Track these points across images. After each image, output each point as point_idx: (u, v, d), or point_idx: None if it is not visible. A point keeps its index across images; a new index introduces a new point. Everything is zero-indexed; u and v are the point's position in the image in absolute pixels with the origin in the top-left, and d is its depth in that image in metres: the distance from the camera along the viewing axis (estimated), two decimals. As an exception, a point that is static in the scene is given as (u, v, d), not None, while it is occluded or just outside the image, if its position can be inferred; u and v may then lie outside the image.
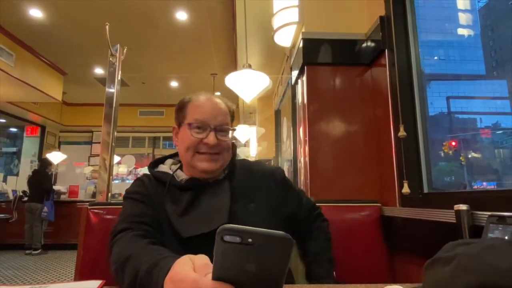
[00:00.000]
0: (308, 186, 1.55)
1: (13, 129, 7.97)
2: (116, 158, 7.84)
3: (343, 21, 1.65)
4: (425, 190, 1.22)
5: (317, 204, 1.11)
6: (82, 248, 1.20)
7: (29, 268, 4.47)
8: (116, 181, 8.27)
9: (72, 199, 6.36)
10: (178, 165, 0.98)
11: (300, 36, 1.64)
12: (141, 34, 4.78)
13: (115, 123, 1.68)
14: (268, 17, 2.57)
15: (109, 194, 1.69)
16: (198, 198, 0.87)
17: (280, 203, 0.96)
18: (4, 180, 6.82)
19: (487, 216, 0.76)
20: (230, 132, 0.92)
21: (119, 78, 1.64)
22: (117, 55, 1.60)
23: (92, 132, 8.45)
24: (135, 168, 8.57)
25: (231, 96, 4.23)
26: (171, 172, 0.93)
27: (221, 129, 0.90)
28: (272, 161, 5.58)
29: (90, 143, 8.54)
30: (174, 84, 6.91)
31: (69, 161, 7.79)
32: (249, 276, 0.35)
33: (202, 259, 0.42)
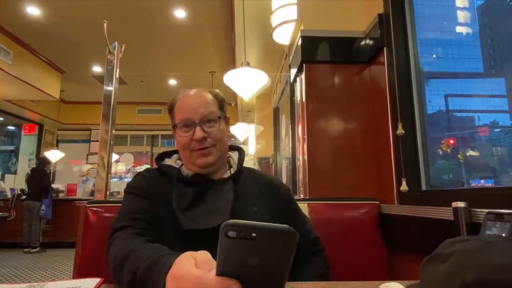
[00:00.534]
0: (306, 183, 1.55)
1: (11, 127, 7.94)
2: (115, 156, 7.83)
3: (342, 18, 1.65)
4: (423, 187, 1.22)
5: (316, 203, 1.10)
6: (80, 246, 1.19)
7: (28, 267, 4.47)
8: (115, 179, 8.27)
9: (70, 197, 6.35)
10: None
11: (299, 34, 1.63)
12: (139, 32, 4.76)
13: (113, 121, 1.67)
14: (267, 15, 2.57)
15: (108, 192, 1.68)
16: (202, 195, 0.88)
17: (283, 217, 0.93)
18: (2, 179, 6.80)
19: (484, 213, 0.77)
20: (220, 120, 0.92)
21: (117, 76, 1.63)
22: (115, 52, 1.59)
23: (90, 130, 8.43)
24: (134, 166, 8.57)
25: (230, 94, 4.23)
26: (177, 166, 0.94)
27: (207, 120, 0.90)
28: (270, 159, 5.59)
29: (88, 141, 8.52)
30: (172, 82, 6.89)
31: (67, 159, 7.78)
32: (253, 270, 0.35)
33: (204, 255, 0.42)
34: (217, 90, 1.00)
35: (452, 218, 0.86)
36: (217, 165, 0.92)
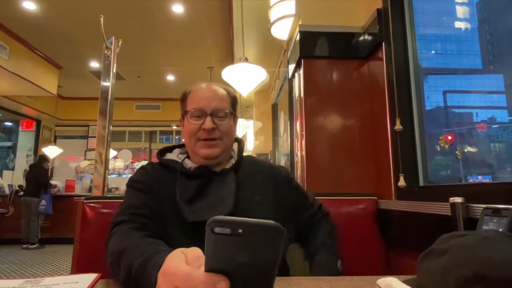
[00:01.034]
0: (304, 179, 1.55)
1: (8, 123, 7.90)
2: (113, 153, 7.81)
3: (340, 13, 1.64)
4: (421, 183, 1.23)
5: (320, 201, 1.11)
6: (78, 242, 1.20)
7: (26, 263, 4.48)
8: (113, 176, 8.25)
9: (68, 193, 6.35)
10: (186, 154, 0.99)
11: (297, 29, 1.63)
12: (136, 27, 4.73)
13: (110, 116, 1.67)
14: (265, 10, 2.55)
15: (105, 189, 1.68)
16: (205, 187, 0.89)
17: (286, 200, 0.97)
18: (0, 175, 6.78)
19: (482, 208, 0.77)
20: (230, 116, 0.94)
21: (114, 71, 1.62)
22: (112, 47, 1.58)
23: (88, 126, 8.39)
24: (132, 162, 8.55)
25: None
26: (180, 160, 0.94)
27: (218, 114, 0.91)
28: (269, 155, 5.59)
29: (86, 137, 8.49)
30: (170, 78, 6.86)
31: (65, 155, 7.76)
32: (241, 266, 0.35)
33: (194, 252, 0.42)
34: (231, 88, 1.02)
35: (450, 214, 0.86)
36: (221, 158, 0.94)
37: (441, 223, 0.94)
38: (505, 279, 0.44)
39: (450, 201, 0.85)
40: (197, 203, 0.85)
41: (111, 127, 1.67)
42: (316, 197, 1.36)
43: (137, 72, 6.39)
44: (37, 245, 5.37)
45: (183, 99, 0.97)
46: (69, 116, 8.05)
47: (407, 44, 1.40)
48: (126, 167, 8.48)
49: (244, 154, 1.04)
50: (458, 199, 0.83)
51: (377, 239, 1.31)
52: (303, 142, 1.55)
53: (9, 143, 7.77)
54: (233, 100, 0.98)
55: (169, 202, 0.85)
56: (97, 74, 6.35)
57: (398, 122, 1.19)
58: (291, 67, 1.80)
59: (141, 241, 0.69)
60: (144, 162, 8.61)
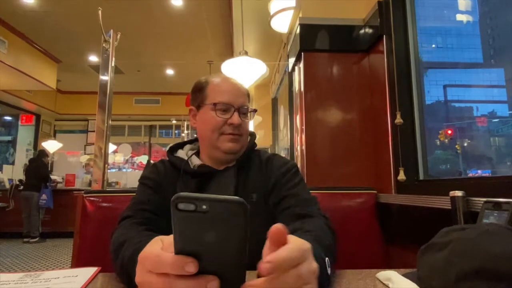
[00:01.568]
0: (304, 174, 1.55)
1: (8, 118, 7.89)
2: (113, 147, 7.81)
3: (341, 6, 1.62)
4: (421, 177, 1.22)
5: (314, 193, 1.08)
6: (78, 236, 1.20)
7: (27, 256, 4.50)
8: (113, 170, 8.26)
9: (68, 187, 6.36)
10: (195, 151, 0.98)
11: (297, 22, 1.61)
12: (135, 20, 4.69)
13: (109, 110, 1.66)
14: (265, 3, 2.53)
15: (105, 183, 1.68)
16: (205, 185, 0.89)
17: (283, 189, 0.89)
18: (0, 169, 6.79)
19: (482, 202, 0.77)
20: (249, 114, 0.94)
21: (113, 64, 1.61)
22: (111, 41, 1.57)
23: (87, 120, 8.38)
24: (132, 156, 8.55)
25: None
26: (186, 158, 0.94)
27: (243, 110, 0.91)
28: (269, 149, 5.58)
29: (86, 131, 8.48)
30: (170, 72, 6.83)
31: (64, 150, 7.76)
32: (209, 246, 0.34)
33: (171, 238, 0.42)
34: (245, 85, 1.00)
35: (450, 207, 0.86)
36: (237, 154, 0.92)
37: (441, 217, 0.94)
38: (506, 272, 0.44)
39: (450, 195, 0.85)
40: None
41: (110, 121, 1.67)
42: (315, 192, 1.36)
43: (136, 66, 6.36)
44: (37, 238, 5.40)
45: (199, 89, 0.94)
46: (68, 111, 8.03)
47: (408, 37, 1.39)
48: (126, 161, 8.48)
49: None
50: (459, 193, 0.83)
51: (376, 233, 1.31)
52: (303, 136, 1.55)
53: (9, 138, 7.76)
54: (249, 98, 0.98)
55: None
56: (96, 68, 6.32)
57: (398, 116, 1.19)
58: (291, 60, 1.79)
59: (139, 235, 0.69)
60: (144, 157, 8.61)
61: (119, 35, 1.65)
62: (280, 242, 0.38)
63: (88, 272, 0.68)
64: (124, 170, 8.41)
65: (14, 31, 4.96)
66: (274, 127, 5.49)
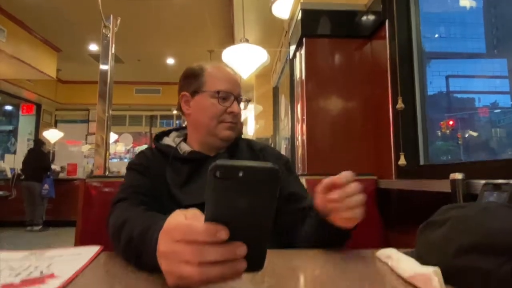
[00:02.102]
0: (305, 161, 1.55)
1: (9, 107, 7.88)
2: (114, 137, 7.81)
3: (343, -9, 1.60)
4: (421, 162, 1.23)
5: (314, 179, 1.10)
6: (80, 220, 1.21)
7: (31, 244, 4.55)
8: (114, 160, 8.29)
9: (70, 177, 6.39)
10: (182, 138, 0.98)
11: (299, 7, 1.59)
12: (135, 9, 4.64)
13: (110, 98, 1.65)
14: (266, -11, 2.50)
15: (107, 171, 1.69)
16: (198, 170, 0.88)
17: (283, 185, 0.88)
18: (2, 159, 6.81)
19: (482, 184, 0.77)
20: (243, 103, 0.96)
21: (113, 51, 1.60)
22: (111, 26, 1.55)
23: (88, 110, 8.37)
24: (133, 146, 8.57)
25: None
26: (175, 145, 0.93)
27: (240, 100, 0.93)
28: (270, 139, 5.58)
29: (87, 121, 8.47)
30: (170, 61, 6.79)
31: (66, 139, 7.77)
32: (239, 214, 0.36)
33: (194, 211, 0.43)
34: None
35: (450, 190, 0.86)
36: (229, 143, 0.94)
37: (441, 200, 0.94)
38: (504, 247, 0.45)
39: (450, 178, 0.85)
40: (190, 187, 0.85)
41: (111, 111, 1.66)
42: (315, 177, 1.37)
43: (136, 55, 6.32)
44: (41, 227, 5.44)
45: (194, 75, 0.93)
46: (69, 100, 8.01)
47: (411, 23, 1.38)
48: (127, 151, 8.50)
49: (244, 137, 1.03)
50: (458, 175, 0.83)
51: (376, 218, 1.32)
52: (304, 123, 1.55)
53: (10, 127, 7.77)
54: None
55: (164, 187, 0.85)
56: (97, 57, 6.28)
57: (400, 101, 1.18)
58: (293, 48, 1.78)
59: (142, 213, 0.69)
60: (145, 146, 8.63)
61: (119, 20, 1.63)
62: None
63: (90, 250, 0.68)
64: (126, 160, 8.43)
65: (13, 19, 4.92)
66: (275, 116, 5.48)
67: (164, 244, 0.43)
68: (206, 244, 0.37)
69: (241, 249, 0.37)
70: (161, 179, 0.87)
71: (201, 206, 0.80)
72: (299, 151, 1.63)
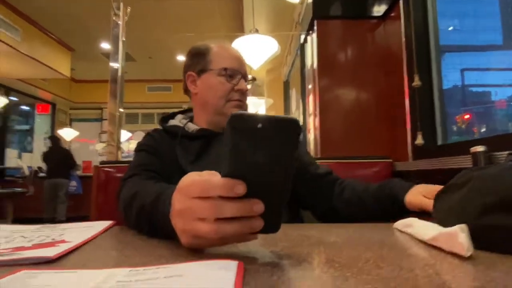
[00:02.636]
0: (318, 146, 1.53)
1: (25, 107, 8.07)
2: (127, 135, 7.91)
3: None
4: (439, 142, 1.18)
5: (328, 162, 1.08)
6: (94, 204, 1.23)
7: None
8: (128, 158, 8.38)
9: (86, 173, 6.51)
10: (188, 119, 0.97)
11: (310, -10, 1.57)
12: (145, 5, 4.67)
13: (121, 93, 1.65)
14: (276, -22, 2.47)
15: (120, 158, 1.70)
16: (207, 147, 0.88)
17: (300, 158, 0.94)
18: (19, 157, 6.98)
19: (505, 155, 0.73)
20: (249, 82, 0.95)
21: (123, 38, 1.60)
22: (121, 14, 1.56)
23: (101, 109, 8.49)
24: (146, 144, 8.63)
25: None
26: (182, 125, 0.93)
27: (246, 78, 0.92)
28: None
29: (100, 120, 8.60)
30: (181, 58, 6.82)
31: (80, 138, 7.90)
32: (257, 169, 0.35)
33: (208, 171, 0.41)
34: None
35: (471, 166, 0.83)
36: None
37: (461, 177, 0.91)
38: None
39: (472, 151, 0.81)
40: (201, 163, 0.85)
41: (122, 105, 1.67)
42: (328, 161, 1.34)
43: (147, 52, 6.37)
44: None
45: (199, 54, 0.93)
46: (82, 99, 8.15)
47: (426, 0, 1.34)
48: (140, 149, 8.57)
49: None
50: (480, 148, 0.80)
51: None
52: (317, 108, 1.52)
53: (27, 127, 7.96)
54: None
55: (174, 166, 0.85)
56: (108, 56, 6.37)
57: (416, 78, 1.14)
58: (303, 34, 1.75)
59: (153, 184, 0.69)
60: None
61: (129, 9, 1.64)
62: None
63: (103, 224, 0.68)
64: (139, 157, 8.50)
65: (27, 19, 5.02)
66: (286, 110, 5.45)
67: (179, 202, 0.41)
68: (223, 200, 0.36)
69: (259, 206, 0.36)
70: (171, 158, 0.86)
71: None
72: (311, 133, 1.60)
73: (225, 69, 0.88)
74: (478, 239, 0.43)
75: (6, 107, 6.25)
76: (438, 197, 0.56)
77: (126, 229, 0.67)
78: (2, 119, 6.59)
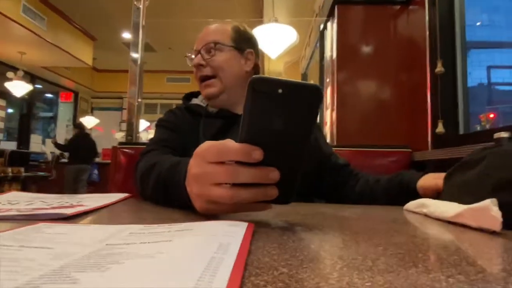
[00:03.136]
0: (334, 139, 1.51)
1: (49, 95, 8.33)
2: (146, 124, 8.04)
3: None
4: (461, 131, 1.14)
5: (346, 150, 1.07)
6: (112, 183, 1.26)
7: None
8: (146, 146, 8.51)
9: (105, 161, 6.67)
10: None
11: (331, -26, 1.53)
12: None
13: (140, 82, 1.67)
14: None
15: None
16: (227, 128, 0.88)
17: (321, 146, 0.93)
18: (43, 143, 7.23)
19: (532, 141, 0.70)
20: (225, 48, 0.88)
21: (143, 23, 1.62)
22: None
23: (122, 98, 8.65)
24: (164, 134, 8.76)
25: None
26: (204, 105, 0.94)
27: (206, 48, 0.88)
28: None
29: (120, 109, 8.77)
30: (200, 49, 6.85)
31: (101, 126, 8.10)
32: (276, 136, 0.34)
33: (225, 139, 0.41)
34: (244, 25, 0.98)
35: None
36: (229, 98, 0.90)
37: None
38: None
39: (495, 137, 0.78)
40: (221, 139, 0.85)
41: (142, 94, 1.68)
42: (346, 149, 1.32)
43: (167, 43, 6.43)
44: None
45: None
46: (104, 88, 8.33)
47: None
48: (158, 138, 8.70)
49: None
50: (504, 134, 0.76)
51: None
52: (335, 95, 1.50)
53: (51, 114, 8.22)
54: (240, 35, 0.92)
55: (193, 141, 0.85)
56: (129, 45, 6.46)
57: (439, 64, 1.10)
58: (323, 21, 1.72)
59: (172, 156, 0.70)
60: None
61: (149, -7, 1.65)
62: None
63: (120, 196, 0.70)
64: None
65: (52, 8, 5.15)
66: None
67: (195, 167, 0.41)
68: (239, 165, 0.36)
69: (275, 173, 0.36)
70: (190, 134, 0.87)
71: None
72: (328, 122, 1.58)
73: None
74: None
75: (31, 93, 6.46)
76: (450, 175, 0.54)
77: (142, 200, 0.69)
78: (27, 106, 6.83)
